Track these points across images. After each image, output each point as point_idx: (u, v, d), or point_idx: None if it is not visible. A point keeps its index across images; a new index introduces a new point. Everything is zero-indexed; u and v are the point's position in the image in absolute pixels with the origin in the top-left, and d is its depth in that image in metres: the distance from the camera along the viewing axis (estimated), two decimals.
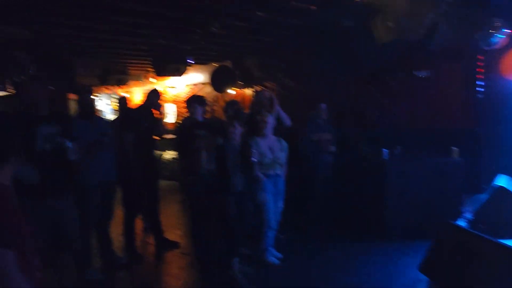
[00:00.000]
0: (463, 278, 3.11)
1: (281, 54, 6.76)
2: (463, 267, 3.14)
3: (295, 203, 5.06)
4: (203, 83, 8.76)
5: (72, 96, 6.49)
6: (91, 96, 4.18)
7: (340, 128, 5.69)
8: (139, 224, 5.01)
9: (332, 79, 6.36)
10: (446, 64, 5.35)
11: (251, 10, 4.51)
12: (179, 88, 9.64)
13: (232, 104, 5.23)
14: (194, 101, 4.71)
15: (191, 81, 9.05)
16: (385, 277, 4.00)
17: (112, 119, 6.13)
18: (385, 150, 5.16)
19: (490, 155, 5.06)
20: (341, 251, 4.71)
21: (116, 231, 4.66)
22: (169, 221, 5.65)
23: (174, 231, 5.45)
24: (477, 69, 5.22)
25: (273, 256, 4.39)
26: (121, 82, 8.24)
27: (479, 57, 5.15)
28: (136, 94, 10.73)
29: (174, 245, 4.99)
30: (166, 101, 9.11)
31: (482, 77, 5.22)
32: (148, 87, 10.19)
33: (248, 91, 7.90)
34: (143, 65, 7.90)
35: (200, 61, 7.77)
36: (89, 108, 4.12)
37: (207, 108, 5.36)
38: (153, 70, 6.97)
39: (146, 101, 4.94)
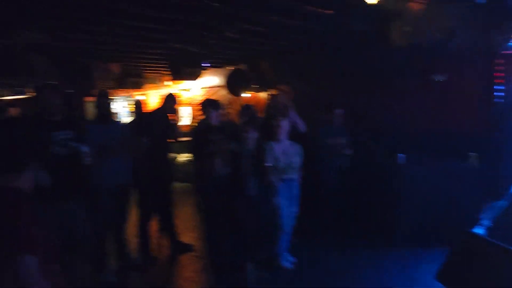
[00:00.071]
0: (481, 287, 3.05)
1: (296, 58, 6.75)
2: (482, 276, 3.08)
3: (309, 207, 5.03)
4: (218, 86, 8.80)
5: (90, 99, 6.60)
6: (108, 100, 4.23)
7: (354, 132, 5.64)
8: (153, 226, 5.05)
9: (346, 83, 6.31)
10: (464, 68, 5.26)
11: (266, 15, 4.52)
12: (193, 90, 9.71)
13: (247, 108, 5.24)
14: (209, 105, 4.73)
15: (205, 84, 9.11)
16: (399, 284, 3.95)
17: (127, 122, 6.21)
18: (400, 155, 5.10)
19: (510, 160, 4.95)
20: (354, 257, 4.67)
21: (131, 233, 4.71)
22: (183, 223, 5.68)
23: (188, 234, 5.48)
24: (496, 73, 5.13)
25: (287, 261, 4.38)
26: (137, 85, 8.34)
27: (498, 61, 5.05)
28: (152, 97, 10.85)
29: (188, 248, 5.02)
30: (181, 104, 9.18)
31: (501, 81, 5.11)
32: (164, 90, 10.31)
33: (263, 94, 7.91)
34: (159, 69, 7.99)
35: (215, 65, 7.82)
36: (106, 111, 4.18)
37: (222, 112, 5.39)
38: (169, 73, 7.04)
39: (162, 105, 4.99)
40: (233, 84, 7.39)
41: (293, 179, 4.35)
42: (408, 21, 4.00)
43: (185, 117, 9.41)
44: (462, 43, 4.29)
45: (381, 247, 4.88)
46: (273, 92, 7.29)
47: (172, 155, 9.10)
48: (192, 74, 6.72)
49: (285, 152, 4.30)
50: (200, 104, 5.01)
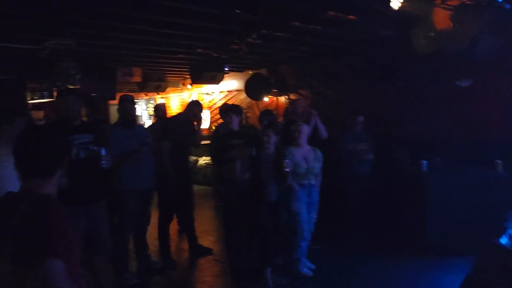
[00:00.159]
0: None
1: (317, 62, 6.72)
2: None
3: (331, 213, 4.99)
4: (238, 90, 8.84)
5: (114, 103, 6.73)
6: (132, 104, 4.29)
7: (377, 138, 5.57)
8: (174, 229, 5.11)
9: (370, 89, 6.25)
10: (491, 74, 5.13)
11: (288, 21, 4.52)
12: (214, 94, 9.79)
13: (267, 113, 5.25)
14: (229, 110, 4.74)
15: (226, 88, 9.16)
16: None
17: (149, 125, 6.31)
18: (424, 162, 5.01)
19: None
20: (376, 265, 4.59)
21: (151, 235, 4.78)
22: (202, 227, 5.73)
23: (207, 237, 5.52)
24: None
25: (306, 267, 4.35)
26: (159, 88, 8.45)
27: None
28: (173, 100, 11.00)
29: (207, 251, 5.06)
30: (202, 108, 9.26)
31: None
32: (185, 94, 10.43)
33: (283, 99, 7.90)
34: (180, 73, 8.08)
35: (236, 69, 7.86)
36: (129, 116, 4.24)
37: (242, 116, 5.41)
38: (190, 78, 7.11)
39: (186, 110, 5.03)
40: (253, 88, 7.40)
41: (312, 184, 4.33)
42: (433, 27, 3.93)
43: (205, 120, 9.49)
44: (488, 48, 4.19)
45: (404, 256, 4.78)
46: (293, 96, 7.30)
47: (193, 158, 9.23)
48: (213, 78, 6.77)
49: (305, 158, 4.29)
50: (220, 108, 5.04)
